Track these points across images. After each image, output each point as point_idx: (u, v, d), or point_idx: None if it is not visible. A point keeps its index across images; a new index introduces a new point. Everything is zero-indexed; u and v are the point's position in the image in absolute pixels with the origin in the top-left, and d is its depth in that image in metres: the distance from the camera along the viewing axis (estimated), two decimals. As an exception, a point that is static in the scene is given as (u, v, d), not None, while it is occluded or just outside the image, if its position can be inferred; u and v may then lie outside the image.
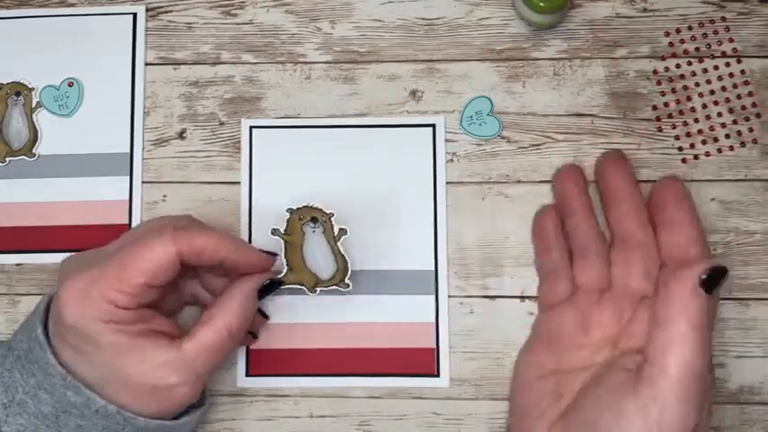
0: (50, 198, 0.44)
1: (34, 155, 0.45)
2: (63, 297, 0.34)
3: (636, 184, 0.40)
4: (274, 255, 0.39)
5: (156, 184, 0.45)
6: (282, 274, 0.40)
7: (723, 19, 0.45)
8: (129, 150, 0.45)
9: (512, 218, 0.43)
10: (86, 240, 0.44)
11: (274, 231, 0.40)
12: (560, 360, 0.39)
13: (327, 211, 0.40)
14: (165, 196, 0.45)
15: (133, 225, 0.44)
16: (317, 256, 0.40)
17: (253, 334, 0.42)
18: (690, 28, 0.45)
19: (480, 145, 0.44)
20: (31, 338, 0.36)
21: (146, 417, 0.35)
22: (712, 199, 0.43)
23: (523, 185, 0.44)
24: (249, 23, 0.46)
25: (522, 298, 0.43)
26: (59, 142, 0.45)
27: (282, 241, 0.40)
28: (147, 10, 0.46)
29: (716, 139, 0.44)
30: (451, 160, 0.44)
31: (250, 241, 0.44)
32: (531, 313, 0.43)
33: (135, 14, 0.46)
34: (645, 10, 0.45)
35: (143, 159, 0.45)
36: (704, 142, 0.44)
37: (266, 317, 0.42)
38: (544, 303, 0.42)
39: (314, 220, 0.40)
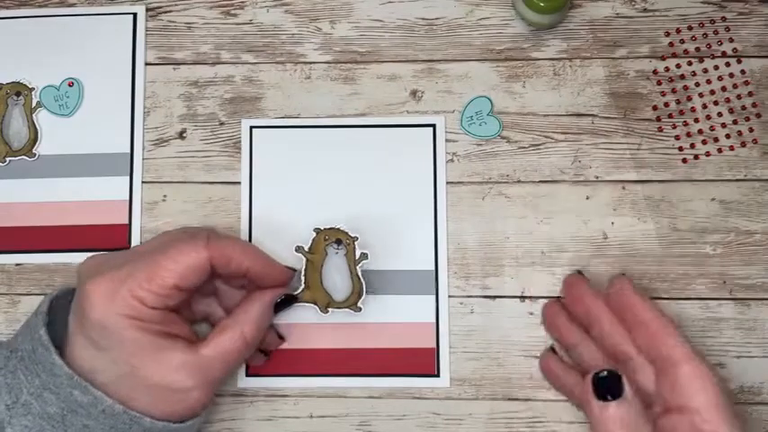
0: (50, 198, 0.44)
1: (34, 155, 0.45)
2: (91, 292, 0.35)
3: (597, 296, 0.39)
4: (294, 270, 0.40)
5: (156, 184, 0.45)
6: (299, 291, 0.41)
7: (723, 19, 0.45)
8: (129, 150, 0.45)
9: (512, 218, 0.43)
10: (86, 240, 0.44)
11: (298, 249, 0.41)
12: None
13: (353, 235, 0.41)
14: (165, 196, 0.45)
15: (133, 225, 0.44)
16: (335, 278, 0.41)
17: (265, 353, 0.42)
18: (690, 28, 0.45)
19: (480, 145, 0.44)
20: (33, 339, 0.36)
21: (154, 418, 0.35)
22: (712, 199, 0.43)
23: (523, 185, 0.44)
24: (249, 23, 0.46)
25: (522, 298, 0.43)
26: (59, 142, 0.45)
27: (304, 259, 0.41)
28: (147, 10, 0.46)
29: (716, 139, 0.44)
30: (451, 160, 0.44)
31: (250, 241, 0.44)
32: (532, 313, 0.43)
33: (135, 14, 0.46)
34: (645, 10, 0.45)
35: (143, 159, 0.45)
36: (704, 142, 0.44)
37: (282, 338, 0.43)
38: None
39: (338, 241, 0.41)
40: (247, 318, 0.38)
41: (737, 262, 0.43)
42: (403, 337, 0.43)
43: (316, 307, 0.41)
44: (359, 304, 0.41)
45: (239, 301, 0.40)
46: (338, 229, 0.41)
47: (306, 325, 0.43)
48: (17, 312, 0.44)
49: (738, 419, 0.34)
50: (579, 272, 0.41)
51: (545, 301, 0.43)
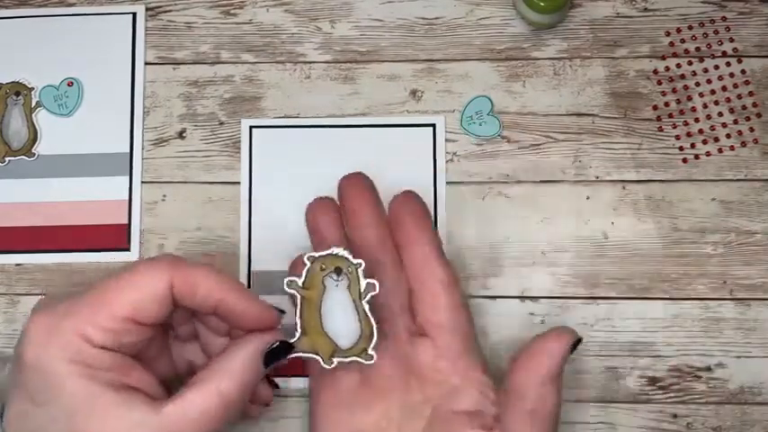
0: (50, 198, 0.44)
1: (34, 155, 0.45)
2: (28, 332, 0.29)
3: (376, 203, 0.37)
4: (282, 311, 0.34)
5: (155, 183, 0.45)
6: (295, 339, 0.34)
7: (723, 19, 0.45)
8: (128, 150, 0.45)
9: (512, 218, 0.43)
10: (86, 240, 0.44)
11: (290, 284, 0.34)
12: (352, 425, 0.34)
13: (355, 261, 0.34)
14: (164, 196, 0.45)
15: (133, 225, 0.44)
16: (337, 318, 0.34)
17: (266, 403, 0.37)
18: (690, 27, 0.45)
19: (480, 145, 0.44)
20: None
21: None
22: (713, 199, 0.43)
23: (523, 185, 0.44)
24: (249, 23, 0.46)
25: (522, 298, 0.43)
26: (59, 142, 0.45)
27: (298, 297, 0.34)
28: (147, 9, 0.46)
29: (716, 139, 0.44)
30: (451, 160, 0.44)
31: (249, 241, 0.44)
32: (532, 313, 0.43)
33: (134, 14, 0.46)
34: (645, 9, 0.45)
35: (143, 159, 0.45)
36: (705, 142, 0.44)
37: (276, 386, 0.38)
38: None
39: (338, 271, 0.34)
40: (227, 369, 0.30)
41: (738, 262, 0.43)
42: (403, 337, 0.42)
43: (318, 357, 0.34)
44: (370, 351, 0.33)
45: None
46: (336, 254, 0.34)
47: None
48: (16, 312, 0.44)
49: (479, 352, 0.36)
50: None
51: (546, 301, 0.43)
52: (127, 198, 0.44)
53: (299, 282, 0.34)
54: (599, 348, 0.42)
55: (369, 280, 0.34)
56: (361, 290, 0.34)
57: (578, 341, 0.35)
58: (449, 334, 0.35)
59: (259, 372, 0.32)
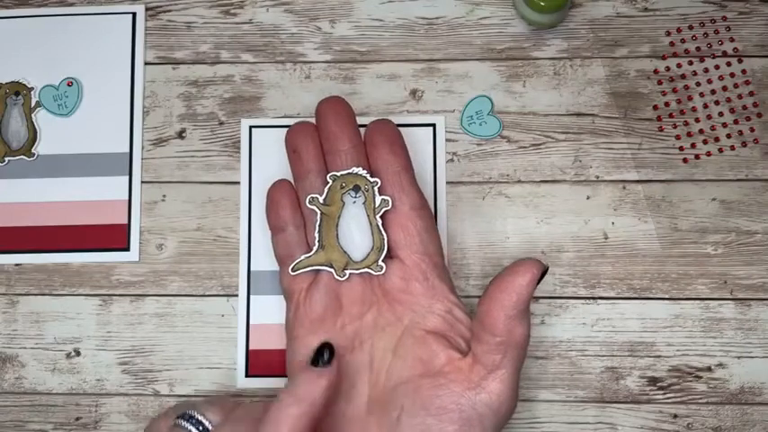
0: (50, 198, 0.44)
1: (33, 155, 0.45)
2: None
3: (353, 127, 0.38)
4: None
5: (155, 183, 0.45)
6: (312, 253, 0.37)
7: (724, 18, 0.45)
8: (128, 150, 0.45)
9: (512, 218, 0.43)
10: (85, 240, 0.44)
11: (312, 200, 0.37)
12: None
13: (372, 179, 0.37)
14: (164, 196, 0.44)
15: (132, 225, 0.44)
16: (353, 232, 0.37)
17: None
18: (691, 27, 0.45)
19: (480, 145, 0.44)
20: None
21: None
22: (713, 199, 0.43)
23: (523, 185, 0.44)
24: (249, 23, 0.46)
25: (523, 298, 0.43)
26: (58, 142, 0.45)
27: (318, 213, 0.37)
28: (147, 9, 0.46)
29: (717, 139, 0.44)
30: (451, 160, 0.44)
31: (249, 241, 0.44)
32: (532, 313, 0.43)
33: (134, 14, 0.46)
34: (646, 9, 0.45)
35: (142, 159, 0.45)
36: (705, 142, 0.44)
37: None
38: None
39: (356, 188, 0.37)
40: None
41: (738, 262, 0.43)
42: (403, 337, 0.43)
43: (332, 270, 0.37)
44: (380, 262, 0.37)
45: None
46: (356, 173, 0.37)
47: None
48: (15, 312, 0.44)
49: (447, 275, 0.38)
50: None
51: (546, 301, 0.43)
52: (126, 198, 0.44)
53: (321, 199, 0.37)
54: (599, 348, 0.42)
55: (383, 197, 0.37)
56: (376, 206, 0.37)
57: (545, 271, 0.35)
58: (417, 255, 0.37)
59: None
